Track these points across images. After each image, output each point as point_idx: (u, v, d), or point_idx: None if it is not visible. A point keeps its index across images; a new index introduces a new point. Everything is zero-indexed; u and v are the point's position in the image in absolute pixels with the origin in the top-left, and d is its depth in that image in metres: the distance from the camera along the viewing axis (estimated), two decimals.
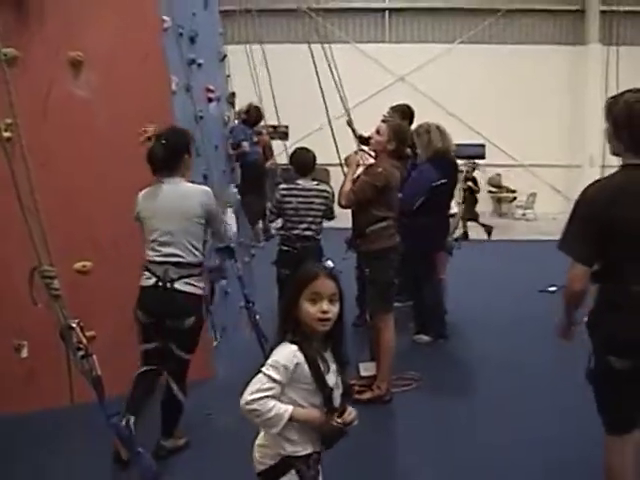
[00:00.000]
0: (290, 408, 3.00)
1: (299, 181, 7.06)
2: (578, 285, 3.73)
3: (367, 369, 6.54)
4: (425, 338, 8.15)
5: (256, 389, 2.99)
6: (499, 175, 21.47)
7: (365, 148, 6.97)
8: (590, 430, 3.98)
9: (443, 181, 7.81)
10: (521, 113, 20.25)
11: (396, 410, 6.31)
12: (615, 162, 3.84)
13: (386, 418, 6.20)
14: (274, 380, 2.98)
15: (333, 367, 3.15)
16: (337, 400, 3.13)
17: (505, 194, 21.69)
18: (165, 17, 6.56)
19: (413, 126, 8.08)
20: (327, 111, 6.91)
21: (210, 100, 8.02)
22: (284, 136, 17.90)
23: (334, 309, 3.10)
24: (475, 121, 19.88)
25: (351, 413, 3.14)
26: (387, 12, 21.92)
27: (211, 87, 7.98)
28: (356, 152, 6.80)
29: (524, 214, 20.61)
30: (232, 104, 10.38)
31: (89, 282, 6.00)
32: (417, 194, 7.57)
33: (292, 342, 3.06)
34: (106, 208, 6.13)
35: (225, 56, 9.45)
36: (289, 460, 3.10)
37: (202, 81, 7.64)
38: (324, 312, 3.06)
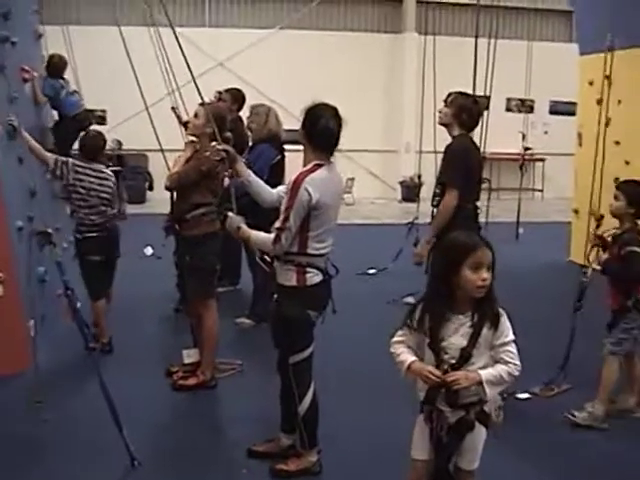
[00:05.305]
0: None
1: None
2: (454, 202, 6.02)
3: (190, 356, 6.50)
4: (247, 322, 8.18)
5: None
6: None
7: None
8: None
9: (279, 157, 8.05)
10: (340, 100, 20.15)
11: (221, 395, 6.33)
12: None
13: (212, 404, 6.22)
14: None
15: (462, 330, 3.43)
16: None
17: None
18: None
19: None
20: (142, 95, 6.82)
21: (25, 80, 7.71)
22: (101, 120, 17.43)
23: (489, 277, 3.39)
24: (295, 107, 19.72)
25: (453, 376, 3.36)
26: None
27: (26, 67, 7.66)
28: (192, 141, 6.64)
29: (343, 198, 20.84)
30: None
31: None
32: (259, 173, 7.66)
33: None
34: None
35: (41, 35, 9.09)
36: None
37: (16, 60, 7.30)
38: (484, 280, 3.35)
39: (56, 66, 9.64)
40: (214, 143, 5.90)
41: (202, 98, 6.11)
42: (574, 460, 5.17)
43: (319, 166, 4.59)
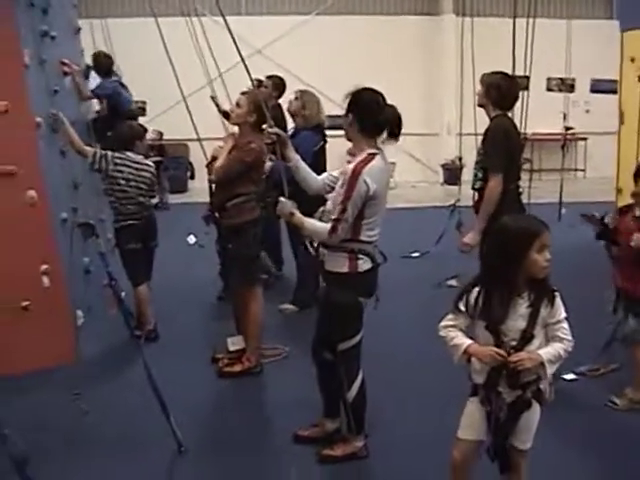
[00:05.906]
0: None
1: (128, 153, 7.12)
2: (499, 187, 5.94)
3: (234, 343, 6.53)
4: (291, 308, 8.21)
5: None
6: None
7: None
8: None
9: (321, 143, 8.03)
10: (379, 84, 19.94)
11: (267, 381, 6.37)
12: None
13: (257, 390, 6.26)
14: None
15: (521, 311, 3.48)
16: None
17: None
18: None
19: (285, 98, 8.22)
20: (179, 86, 6.88)
21: (65, 74, 7.78)
22: (141, 112, 17.46)
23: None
24: (333, 93, 19.56)
25: (518, 356, 3.41)
26: None
27: (66, 61, 7.73)
28: (233, 134, 6.63)
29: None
30: (88, 77, 9.99)
31: None
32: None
33: None
34: None
35: (79, 29, 9.16)
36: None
37: (56, 54, 7.37)
38: (548, 260, 3.47)
39: (102, 64, 9.62)
40: (265, 125, 5.88)
41: (252, 80, 6.05)
42: (620, 445, 5.08)
43: (373, 155, 4.55)
